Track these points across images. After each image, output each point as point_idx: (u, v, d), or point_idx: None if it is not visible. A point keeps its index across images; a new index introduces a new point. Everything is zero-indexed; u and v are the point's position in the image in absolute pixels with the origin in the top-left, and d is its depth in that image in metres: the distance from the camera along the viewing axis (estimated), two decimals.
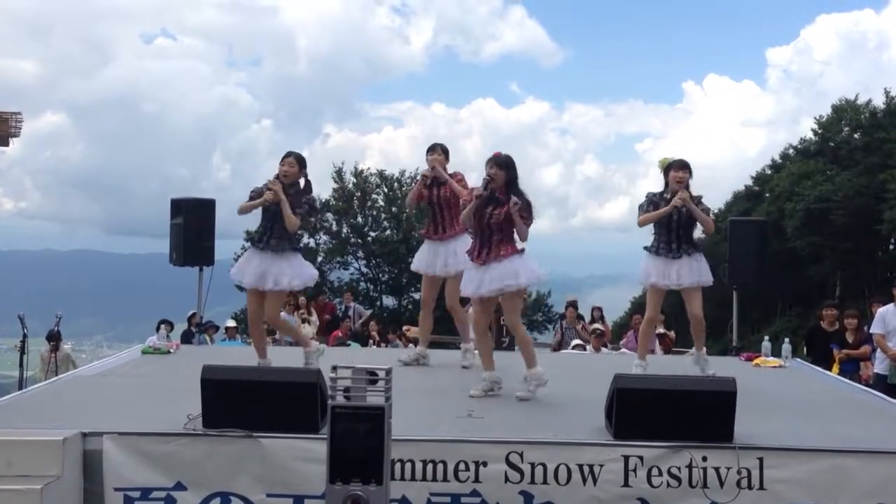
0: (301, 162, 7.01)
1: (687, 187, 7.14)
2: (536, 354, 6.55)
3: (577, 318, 14.05)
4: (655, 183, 7.53)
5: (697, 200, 7.17)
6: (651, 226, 7.25)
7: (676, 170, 7.16)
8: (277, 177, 6.89)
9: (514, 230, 6.34)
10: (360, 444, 3.67)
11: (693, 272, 7.16)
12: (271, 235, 6.92)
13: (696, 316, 7.31)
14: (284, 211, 6.77)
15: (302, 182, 7.05)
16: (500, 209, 6.26)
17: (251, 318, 7.24)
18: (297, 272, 6.97)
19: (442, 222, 7.71)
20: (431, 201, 7.70)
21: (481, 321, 6.66)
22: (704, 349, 7.66)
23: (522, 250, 6.42)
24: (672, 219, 7.12)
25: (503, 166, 6.33)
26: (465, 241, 7.38)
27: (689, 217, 7.13)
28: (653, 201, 7.21)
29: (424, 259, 7.84)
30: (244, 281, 6.97)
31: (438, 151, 7.68)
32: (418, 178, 7.96)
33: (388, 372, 3.78)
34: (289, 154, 7.03)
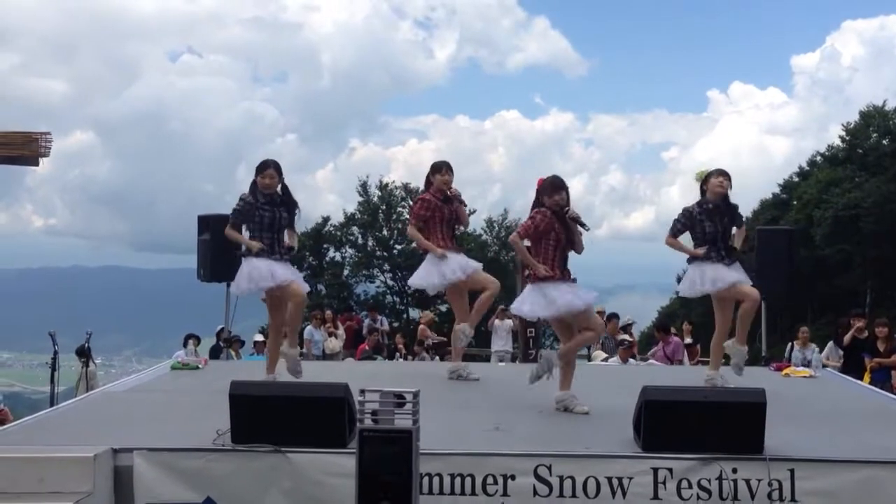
0: (279, 170, 7.04)
1: (726, 196, 7.19)
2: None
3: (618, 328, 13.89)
4: (682, 191, 7.56)
5: (734, 210, 7.29)
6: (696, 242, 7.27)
7: (717, 176, 7.18)
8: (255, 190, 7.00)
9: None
10: (388, 466, 3.68)
11: (742, 276, 7.21)
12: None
13: (725, 325, 7.32)
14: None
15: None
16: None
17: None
18: None
19: (450, 237, 7.75)
20: (445, 217, 7.70)
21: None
22: (720, 370, 7.56)
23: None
24: (717, 231, 7.14)
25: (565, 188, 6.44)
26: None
27: (728, 228, 7.19)
28: (690, 217, 7.20)
29: (438, 272, 7.70)
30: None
31: (451, 171, 7.73)
32: (425, 196, 7.82)
33: (416, 395, 3.79)
34: (268, 165, 7.01)
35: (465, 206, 7.93)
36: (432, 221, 7.72)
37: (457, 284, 7.76)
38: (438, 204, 7.69)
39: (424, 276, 7.82)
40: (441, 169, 7.74)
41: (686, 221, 7.22)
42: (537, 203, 6.46)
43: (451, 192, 7.73)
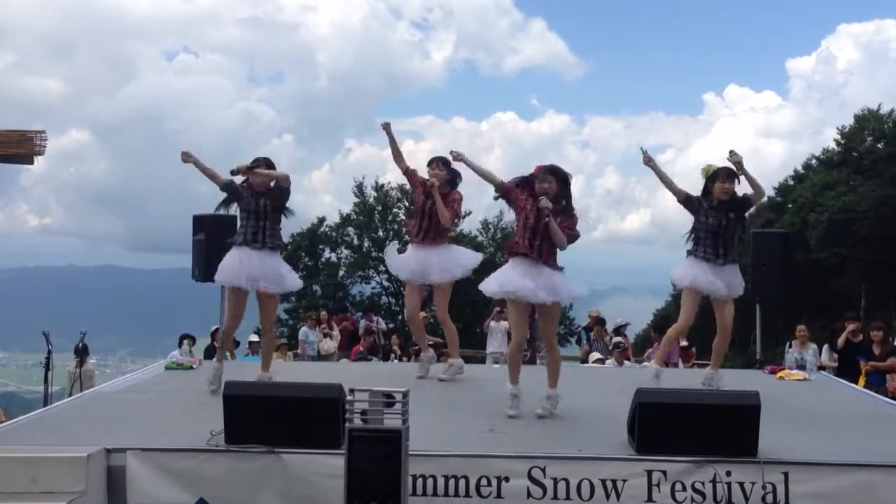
0: (269, 165, 7.04)
1: (733, 196, 7.04)
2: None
3: (604, 330, 13.92)
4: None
5: (740, 201, 7.10)
6: (694, 231, 7.13)
7: (723, 181, 6.98)
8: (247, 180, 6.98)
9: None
10: (377, 466, 3.67)
11: (734, 284, 7.13)
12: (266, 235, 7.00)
13: (727, 325, 7.22)
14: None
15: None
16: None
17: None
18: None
19: (427, 229, 7.70)
20: (424, 209, 7.69)
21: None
22: (719, 370, 7.56)
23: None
24: (721, 224, 7.00)
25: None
26: (453, 251, 7.69)
27: (735, 223, 7.05)
28: (692, 200, 7.09)
29: (409, 266, 7.75)
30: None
31: (437, 165, 7.69)
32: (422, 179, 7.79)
33: (406, 394, 3.78)
34: (258, 162, 7.00)
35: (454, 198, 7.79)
36: (415, 204, 7.85)
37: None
38: (422, 196, 7.68)
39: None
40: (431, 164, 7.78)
41: (694, 201, 7.07)
42: (530, 186, 6.25)
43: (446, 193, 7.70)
